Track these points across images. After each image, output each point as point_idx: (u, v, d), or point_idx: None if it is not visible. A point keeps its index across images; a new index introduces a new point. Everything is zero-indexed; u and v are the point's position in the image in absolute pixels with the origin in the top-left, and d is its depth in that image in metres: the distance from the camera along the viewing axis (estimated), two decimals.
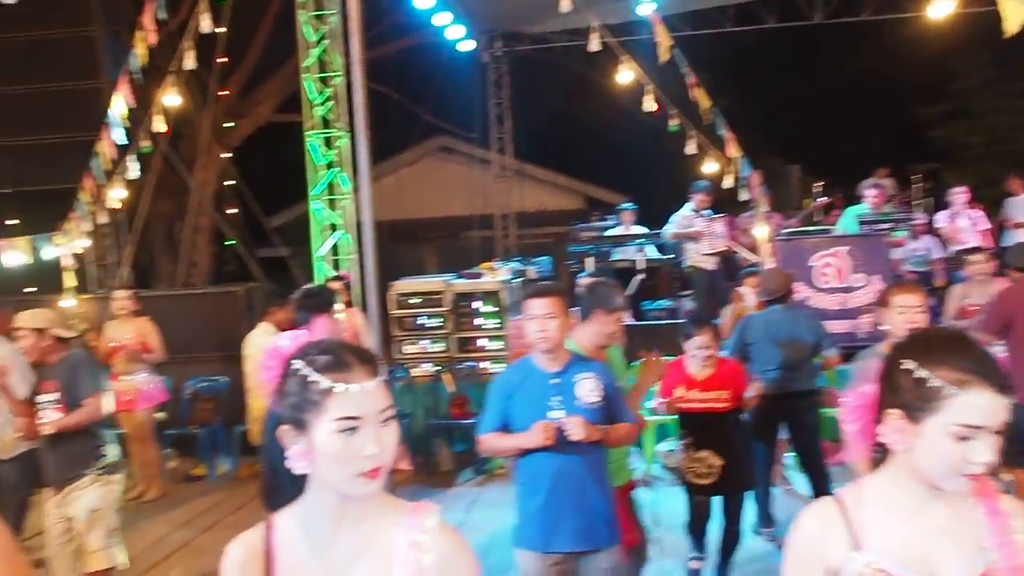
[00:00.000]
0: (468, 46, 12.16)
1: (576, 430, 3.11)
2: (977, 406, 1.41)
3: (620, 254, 9.38)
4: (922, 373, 1.45)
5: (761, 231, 7.88)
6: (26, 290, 10.35)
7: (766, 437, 5.33)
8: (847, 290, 7.38)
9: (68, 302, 7.82)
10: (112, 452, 4.36)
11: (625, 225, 9.79)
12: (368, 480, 1.41)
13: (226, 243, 13.33)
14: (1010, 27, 3.73)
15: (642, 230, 9.66)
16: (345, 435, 1.39)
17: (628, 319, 8.43)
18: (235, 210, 12.87)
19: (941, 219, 9.45)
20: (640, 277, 8.92)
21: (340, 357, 1.45)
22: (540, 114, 15.71)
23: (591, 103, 16.25)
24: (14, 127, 9.75)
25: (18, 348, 5.70)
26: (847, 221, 8.52)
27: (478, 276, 8.09)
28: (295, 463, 1.45)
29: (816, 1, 11.68)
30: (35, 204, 12.01)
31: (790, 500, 5.77)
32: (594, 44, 6.99)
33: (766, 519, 5.33)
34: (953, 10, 9.02)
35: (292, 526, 1.53)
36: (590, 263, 8.95)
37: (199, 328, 8.05)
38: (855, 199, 8.96)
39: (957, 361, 1.44)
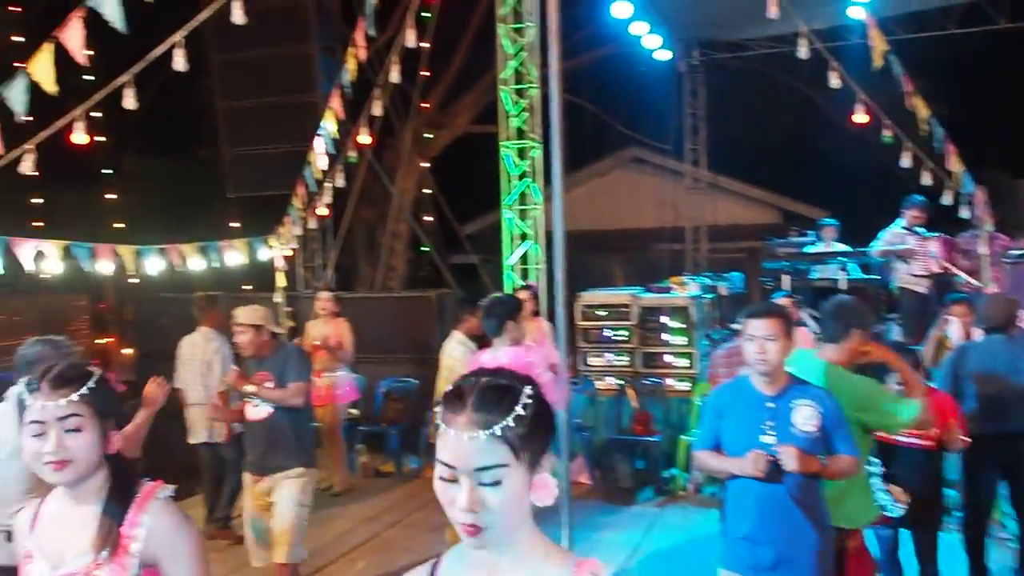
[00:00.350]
0: (664, 55, 11.96)
1: (791, 461, 2.98)
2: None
3: (820, 272, 8.85)
4: None
5: (984, 253, 7.15)
6: (244, 288, 11.28)
7: (981, 482, 4.79)
8: None
9: (279, 301, 8.40)
10: (312, 447, 4.59)
11: (826, 242, 9.23)
12: (466, 534, 1.37)
13: (422, 249, 13.88)
14: None
15: (844, 247, 9.07)
16: (443, 479, 1.36)
17: None
18: (431, 218, 13.37)
19: None
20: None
21: (463, 396, 1.36)
22: (736, 124, 15.18)
23: (792, 112, 15.53)
24: (240, 138, 10.65)
25: (223, 341, 6.21)
26: None
27: (667, 291, 7.90)
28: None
29: None
30: (253, 209, 13.08)
31: (1004, 552, 5.16)
32: (803, 51, 6.62)
33: (979, 572, 4.80)
34: None
35: (455, 566, 1.49)
36: (786, 281, 8.50)
37: (394, 330, 8.39)
38: None
39: None
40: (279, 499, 4.46)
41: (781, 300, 5.97)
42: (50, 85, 4.30)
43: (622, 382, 7.65)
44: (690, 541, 5.90)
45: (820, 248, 9.13)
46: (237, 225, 13.20)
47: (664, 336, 7.66)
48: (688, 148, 13.70)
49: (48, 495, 2.00)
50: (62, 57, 4.39)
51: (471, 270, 13.77)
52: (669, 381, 7.58)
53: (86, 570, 1.88)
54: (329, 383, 7.20)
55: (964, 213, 7.04)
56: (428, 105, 12.73)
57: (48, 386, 1.85)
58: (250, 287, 11.57)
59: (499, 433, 1.31)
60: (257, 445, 4.54)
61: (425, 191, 13.31)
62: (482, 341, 6.12)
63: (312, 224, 8.60)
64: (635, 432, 7.23)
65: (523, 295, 7.18)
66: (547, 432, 1.39)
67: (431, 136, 13.47)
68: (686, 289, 7.93)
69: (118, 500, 1.91)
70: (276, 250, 8.09)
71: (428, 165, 13.05)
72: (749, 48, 12.56)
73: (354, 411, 7.90)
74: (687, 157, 13.77)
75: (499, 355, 1.49)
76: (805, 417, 3.08)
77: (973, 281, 7.61)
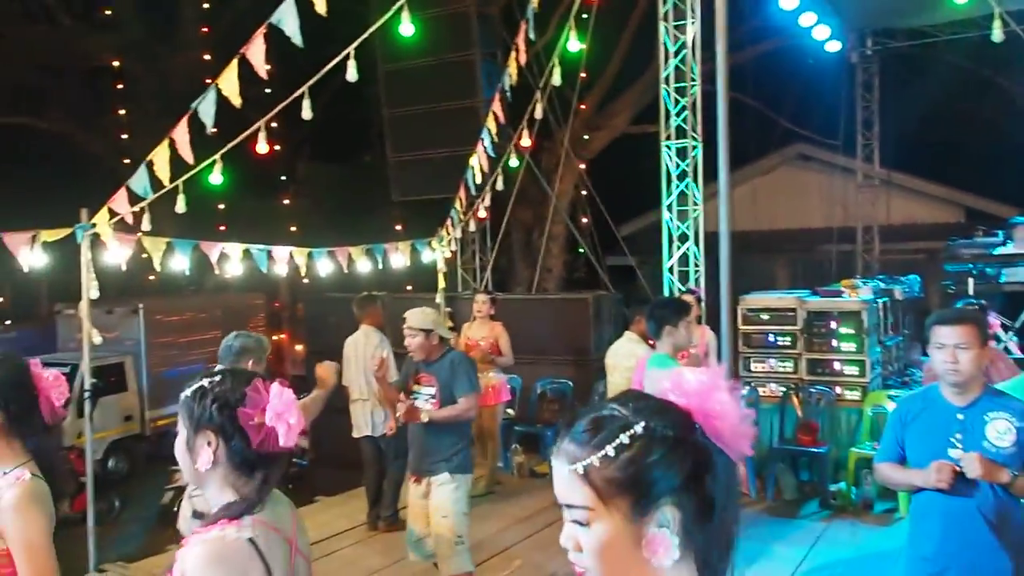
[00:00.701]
0: (835, 47, 11.37)
1: (973, 467, 2.77)
2: None
3: (1010, 276, 8.13)
4: None
5: None
6: (406, 289, 11.69)
7: None
8: None
9: (439, 302, 8.63)
10: (468, 452, 4.60)
11: (1017, 242, 8.47)
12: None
13: (578, 251, 13.89)
14: None
15: None
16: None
17: (1016, 350, 7.31)
18: (587, 219, 13.35)
19: None
20: None
21: (574, 421, 1.22)
22: (914, 117, 14.21)
23: (978, 102, 14.39)
24: (404, 144, 11.05)
25: (382, 337, 6.42)
26: None
27: (836, 294, 7.50)
28: None
29: None
30: (415, 212, 13.53)
31: None
32: (997, 33, 6.09)
33: None
34: None
35: None
36: (971, 285, 7.87)
37: (550, 331, 8.44)
38: None
39: None
40: (434, 509, 4.46)
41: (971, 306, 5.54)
42: (236, 98, 4.60)
43: (786, 389, 7.34)
44: (859, 559, 5.59)
45: (1011, 249, 8.39)
46: (400, 228, 13.73)
47: (833, 342, 7.27)
48: (860, 143, 12.96)
49: None
50: (244, 71, 4.70)
51: (627, 272, 13.63)
52: (838, 389, 7.19)
53: None
54: (482, 384, 7.32)
55: None
56: (586, 107, 12.73)
57: None
58: (410, 288, 11.99)
59: (580, 472, 1.15)
60: (415, 446, 4.59)
61: (582, 192, 13.31)
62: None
63: (472, 227, 8.78)
64: (800, 442, 6.91)
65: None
66: (666, 478, 1.15)
67: (588, 137, 13.46)
68: (858, 293, 7.50)
69: None
70: (438, 252, 8.31)
71: (585, 166, 13.05)
72: (930, 35, 11.72)
73: (510, 411, 8.00)
74: (859, 153, 13.03)
75: (690, 376, 1.24)
76: (1000, 431, 2.84)
77: None
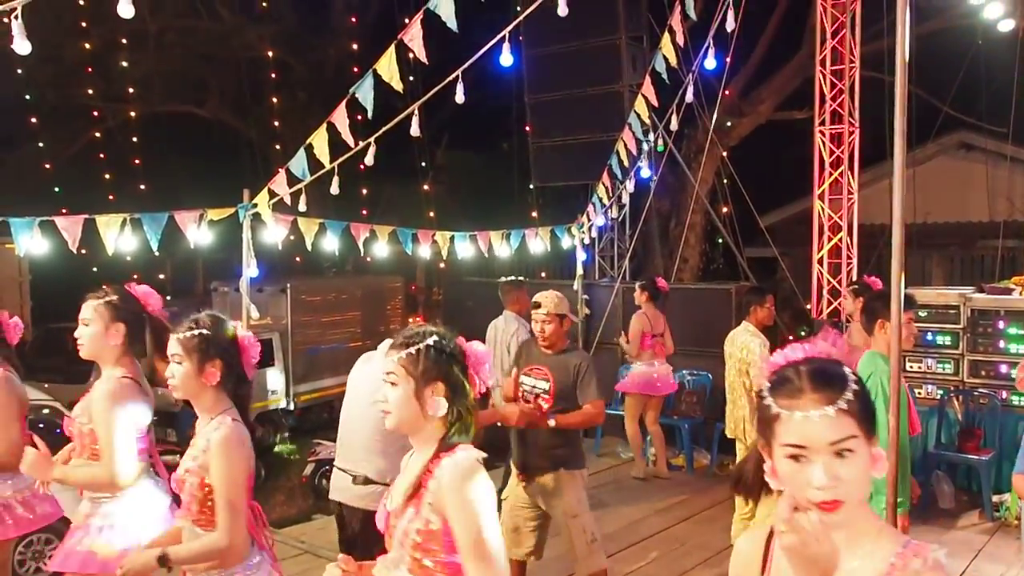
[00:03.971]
0: (1008, 25, 10.52)
1: None
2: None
3: None
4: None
5: None
6: (541, 275, 11.71)
7: None
8: None
9: (577, 288, 8.59)
10: (578, 447, 4.31)
11: None
12: (824, 512, 1.38)
13: (717, 241, 13.52)
14: None
15: None
16: (792, 462, 1.41)
17: None
18: (727, 209, 12.97)
19: None
20: None
21: (794, 381, 1.44)
22: None
23: None
24: (545, 130, 11.05)
25: (522, 324, 6.42)
26: None
27: (1006, 292, 6.96)
28: (768, 477, 1.49)
29: None
30: (554, 199, 13.52)
31: None
32: None
33: None
34: None
35: None
36: None
37: (690, 323, 8.24)
38: None
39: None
40: (561, 511, 4.21)
41: None
42: (397, 83, 4.69)
43: (944, 392, 6.89)
44: None
45: None
46: (535, 215, 13.75)
47: (1000, 343, 6.76)
48: None
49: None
50: (398, 57, 4.78)
51: (767, 264, 13.17)
52: (1004, 394, 6.69)
53: (397, 509, 2.09)
54: (645, 372, 7.29)
55: None
56: (730, 92, 12.33)
57: (391, 345, 2.14)
58: (545, 274, 12.00)
59: (844, 407, 1.39)
60: (522, 441, 4.28)
61: (723, 181, 12.92)
62: (770, 332, 5.84)
63: (614, 213, 8.68)
64: (961, 449, 6.48)
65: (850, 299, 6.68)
66: (874, 409, 1.46)
67: (731, 124, 13.05)
68: None
69: (433, 455, 2.07)
70: (577, 238, 8.26)
71: (726, 154, 12.66)
72: None
73: None
74: None
75: (811, 347, 1.53)
76: None
77: None
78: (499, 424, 4.21)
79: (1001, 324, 6.75)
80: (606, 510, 6.48)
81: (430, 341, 2.08)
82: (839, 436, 1.38)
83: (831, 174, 7.61)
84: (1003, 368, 6.74)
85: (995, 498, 6.28)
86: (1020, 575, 5.18)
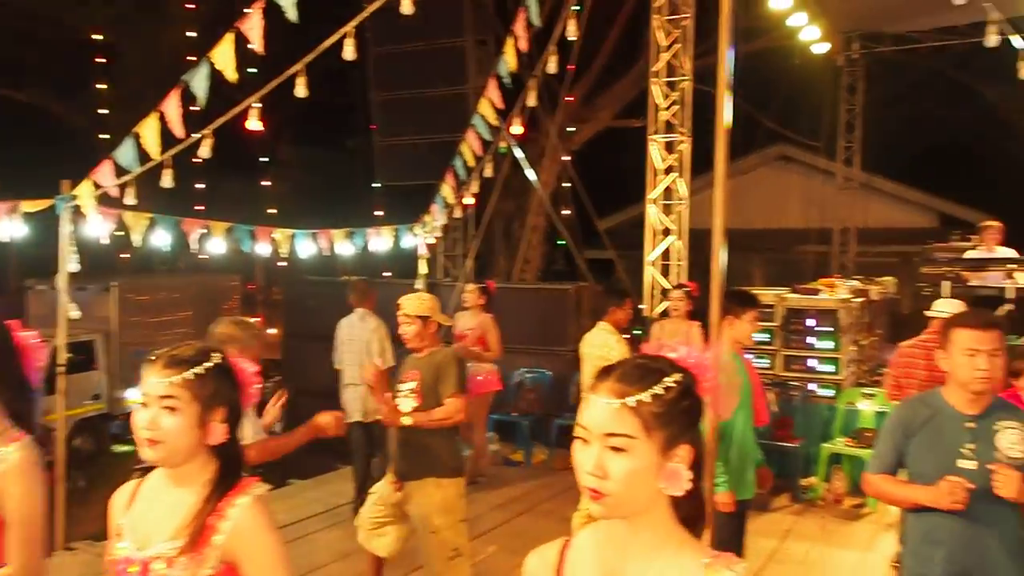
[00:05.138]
0: (821, 48, 11.46)
1: (1009, 486, 2.60)
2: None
3: (982, 280, 8.26)
4: None
5: None
6: (384, 274, 11.63)
7: None
8: None
9: (419, 288, 8.61)
10: (458, 455, 4.25)
11: (987, 246, 8.60)
12: (592, 498, 1.38)
13: (558, 243, 13.90)
14: None
15: (1011, 253, 8.43)
16: (579, 443, 1.42)
17: None
18: (568, 211, 13.37)
19: None
20: (1008, 307, 7.77)
21: (615, 369, 1.44)
22: (895, 122, 14.38)
23: (959, 111, 14.59)
24: (391, 129, 11.01)
25: (380, 322, 6.38)
26: None
27: (814, 292, 7.58)
28: None
29: None
30: (398, 198, 13.46)
31: None
32: (991, 39, 6.17)
33: None
34: None
35: (587, 547, 1.53)
36: (946, 288, 7.98)
37: (530, 322, 8.45)
38: None
39: None
40: (420, 521, 4.07)
41: (951, 303, 5.60)
42: (231, 73, 4.53)
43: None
44: (829, 551, 5.68)
45: (982, 253, 8.53)
46: (380, 213, 13.66)
47: (810, 339, 7.36)
48: (842, 146, 13.10)
49: (149, 475, 1.97)
50: (236, 48, 4.63)
51: (606, 265, 13.70)
52: (812, 387, 7.28)
53: (167, 555, 1.80)
54: (475, 373, 7.31)
55: None
56: (573, 98, 12.73)
57: (161, 363, 1.84)
58: (389, 274, 11.94)
59: (632, 404, 1.37)
60: (396, 448, 4.21)
61: (563, 184, 13.31)
62: (626, 333, 6.07)
63: (458, 213, 8.76)
64: (774, 437, 6.99)
65: (675, 295, 7.05)
66: (688, 422, 1.42)
67: (573, 129, 13.46)
68: (836, 292, 7.59)
69: (214, 490, 1.85)
70: (420, 238, 8.28)
71: (568, 158, 13.06)
72: (915, 41, 11.86)
73: None
74: (839, 156, 13.17)
75: (678, 350, 1.50)
76: (1012, 441, 2.70)
77: None
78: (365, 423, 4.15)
79: (810, 322, 7.34)
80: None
81: (217, 360, 1.87)
82: (614, 430, 1.37)
83: (663, 180, 8.01)
84: (811, 362, 7.34)
85: (803, 481, 6.83)
86: (868, 557, 5.66)
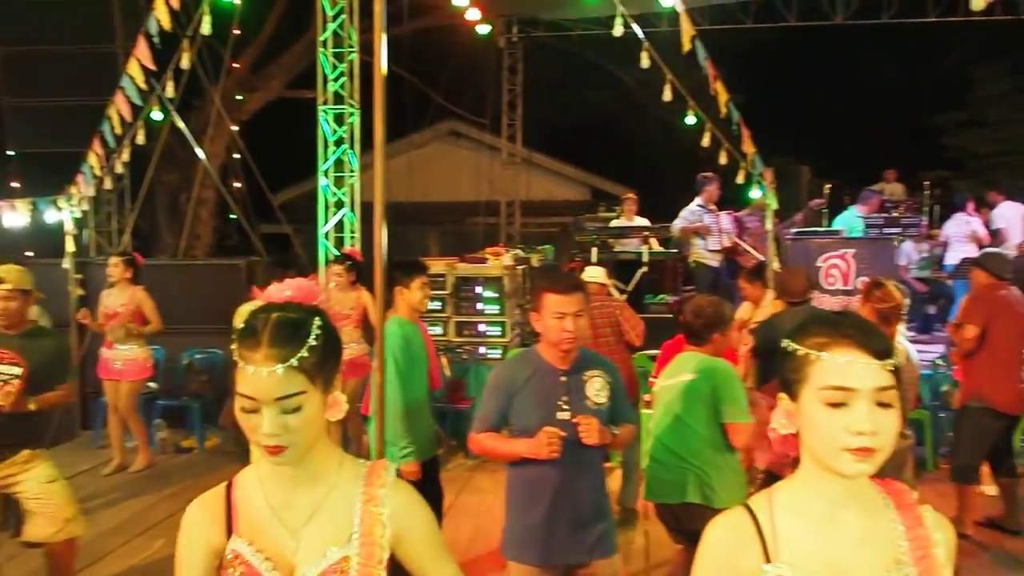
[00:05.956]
0: (483, 30, 12.05)
1: (592, 435, 2.90)
2: (840, 366, 1.32)
3: (623, 246, 9.32)
4: (792, 346, 1.40)
5: (769, 229, 7.79)
6: (27, 254, 10.31)
7: None
8: (850, 293, 7.30)
9: (67, 267, 7.78)
10: (43, 430, 4.12)
11: (627, 216, 9.72)
12: (270, 455, 1.45)
13: (230, 217, 13.28)
14: None
15: (645, 222, 9.60)
16: (245, 414, 1.46)
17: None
18: (239, 184, 12.81)
19: (947, 226, 9.54)
20: (643, 270, 8.86)
21: (256, 334, 1.44)
22: (552, 102, 15.60)
23: (605, 94, 16.18)
24: (22, 88, 9.70)
25: None
26: (846, 224, 8.60)
27: (482, 261, 8.02)
28: None
29: (838, 1, 11.55)
30: (39, 167, 11.96)
31: None
32: (617, 29, 6.89)
33: None
34: (977, 15, 8.87)
35: (252, 484, 1.58)
36: (594, 254, 8.88)
37: (199, 300, 8.00)
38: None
39: (822, 329, 1.38)
40: (23, 489, 3.95)
41: (597, 270, 6.21)
42: None
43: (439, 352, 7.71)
44: (498, 502, 6.05)
45: (623, 223, 9.60)
46: (17, 185, 12.05)
47: (479, 305, 7.78)
48: (505, 124, 13.92)
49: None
50: None
51: (283, 240, 13.35)
52: (482, 350, 7.72)
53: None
54: (121, 356, 6.73)
55: (755, 193, 7.63)
56: (240, 65, 12.14)
57: None
58: (31, 253, 10.60)
59: (296, 364, 1.43)
60: None
61: (234, 156, 12.71)
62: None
63: (108, 185, 7.99)
64: (448, 400, 7.33)
65: (336, 269, 6.99)
66: (338, 355, 1.54)
67: (242, 98, 12.86)
68: (501, 260, 8.09)
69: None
70: (66, 212, 7.46)
71: (238, 128, 12.47)
72: (566, 28, 12.92)
73: (153, 384, 7.46)
74: (504, 133, 14.00)
75: (283, 287, 1.57)
76: (597, 388, 3.02)
77: (759, 256, 8.28)
78: None
79: (478, 289, 7.77)
80: (110, 503, 6.06)
81: None
82: (286, 392, 1.42)
83: (334, 152, 7.96)
84: (481, 327, 7.77)
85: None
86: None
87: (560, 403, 2.98)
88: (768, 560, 1.39)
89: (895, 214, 9.11)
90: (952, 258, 9.32)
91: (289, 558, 1.53)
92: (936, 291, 9.59)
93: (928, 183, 11.34)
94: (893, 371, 1.34)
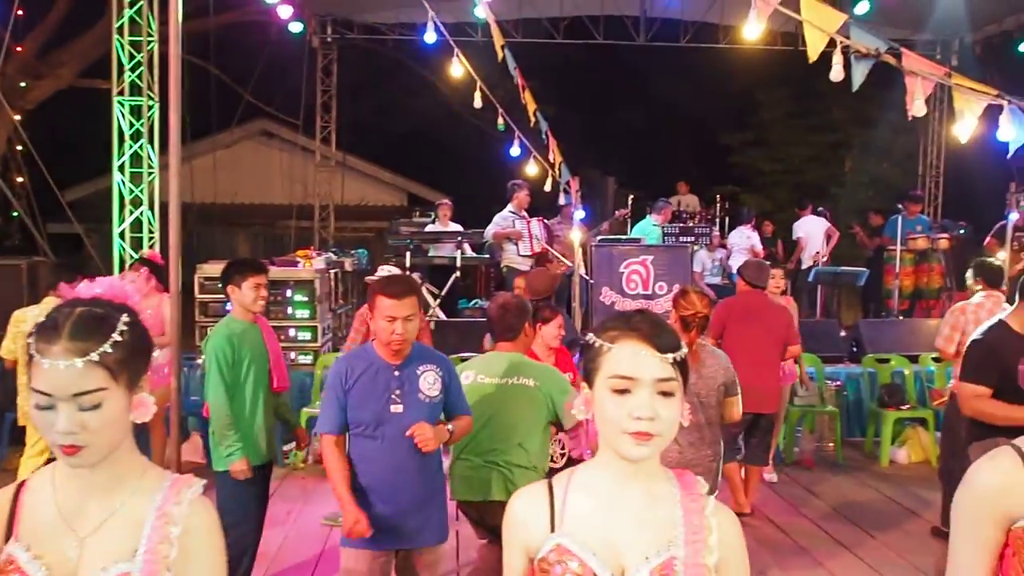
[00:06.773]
0: (295, 28, 11.75)
1: (427, 442, 3.08)
2: (626, 356, 1.43)
3: (437, 251, 9.40)
4: (591, 339, 1.50)
5: (574, 236, 8.15)
6: None
7: None
8: (650, 297, 7.78)
9: None
10: None
11: (442, 222, 9.81)
12: (65, 455, 1.38)
13: (12, 214, 12.16)
14: (812, 53, 4.07)
15: (458, 228, 9.74)
16: (40, 411, 1.39)
17: (442, 315, 8.49)
18: (22, 179, 11.76)
19: (731, 236, 10.42)
20: (457, 275, 8.98)
21: (57, 326, 1.39)
22: (367, 106, 15.47)
23: (420, 100, 16.23)
24: None
25: None
26: (644, 232, 9.19)
27: (293, 264, 7.83)
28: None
29: (641, 23, 12.25)
30: None
31: None
32: (430, 35, 6.98)
33: None
34: (761, 44, 9.71)
35: (44, 488, 1.50)
36: (408, 259, 8.91)
37: None
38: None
39: (616, 324, 1.49)
40: None
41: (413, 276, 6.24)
42: None
43: None
44: (310, 510, 5.95)
45: (438, 228, 9.69)
46: None
47: (289, 309, 7.60)
48: (319, 126, 13.65)
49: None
50: None
51: (75, 240, 12.39)
52: (293, 355, 7.54)
53: None
54: None
55: (562, 199, 7.96)
56: (23, 49, 11.15)
57: None
58: None
59: (96, 359, 1.37)
60: None
61: (17, 148, 11.65)
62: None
63: None
64: None
65: (130, 276, 6.55)
66: (145, 356, 1.49)
67: (26, 85, 11.83)
68: (313, 263, 7.94)
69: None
70: None
71: (20, 118, 11.44)
72: (380, 32, 12.86)
73: None
74: (318, 135, 13.72)
75: (94, 285, 1.52)
76: (430, 382, 3.19)
77: (567, 262, 8.63)
78: None
79: (289, 292, 7.58)
80: None
81: None
82: (83, 388, 1.37)
83: (131, 147, 7.51)
84: (291, 331, 7.57)
85: (285, 447, 7.03)
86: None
87: (393, 396, 3.13)
88: (553, 531, 1.50)
89: (690, 224, 9.81)
90: (735, 265, 10.20)
91: (71, 568, 1.44)
92: (724, 296, 10.43)
93: (720, 196, 12.31)
94: (675, 364, 1.45)
